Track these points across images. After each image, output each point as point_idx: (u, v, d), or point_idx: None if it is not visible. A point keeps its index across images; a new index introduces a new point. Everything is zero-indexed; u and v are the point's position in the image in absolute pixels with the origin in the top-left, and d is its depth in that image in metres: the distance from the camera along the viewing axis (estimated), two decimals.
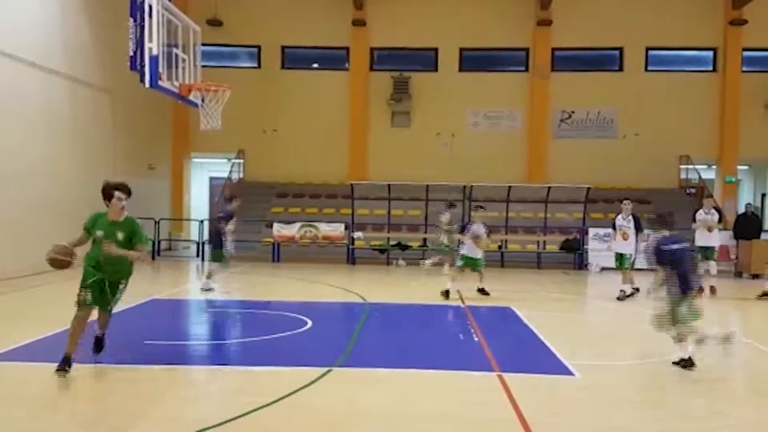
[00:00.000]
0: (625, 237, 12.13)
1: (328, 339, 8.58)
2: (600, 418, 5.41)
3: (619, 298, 11.90)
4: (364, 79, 22.72)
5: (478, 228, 12.08)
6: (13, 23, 13.55)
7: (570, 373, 6.68)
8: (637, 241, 12.17)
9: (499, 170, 21.72)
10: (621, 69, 22.66)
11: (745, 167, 23.90)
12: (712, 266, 13.18)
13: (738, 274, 17.31)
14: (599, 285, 15.37)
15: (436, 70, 22.86)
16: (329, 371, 6.52)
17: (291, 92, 22.62)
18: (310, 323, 9.17)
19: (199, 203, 24.35)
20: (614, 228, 12.48)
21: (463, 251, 12.20)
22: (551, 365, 7.04)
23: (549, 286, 11.83)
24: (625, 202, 12.52)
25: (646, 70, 22.57)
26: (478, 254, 12.12)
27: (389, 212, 20.25)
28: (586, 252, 18.68)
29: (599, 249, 18.63)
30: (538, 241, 19.77)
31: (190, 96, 10.10)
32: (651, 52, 22.58)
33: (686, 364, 6.73)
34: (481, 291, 12.11)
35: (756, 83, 21.92)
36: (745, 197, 23.47)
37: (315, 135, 22.50)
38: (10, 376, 6.35)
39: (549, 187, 19.98)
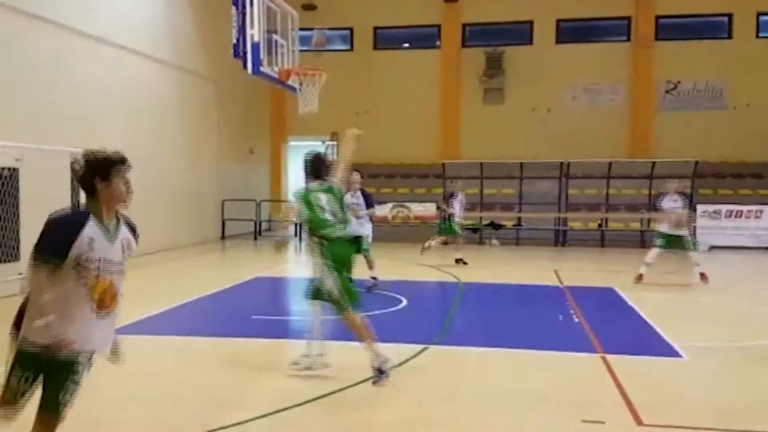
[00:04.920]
0: (357, 215, 9.98)
1: (424, 317, 8.67)
2: (709, 401, 5.19)
3: (369, 288, 9.96)
4: (455, 57, 22.45)
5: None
6: (123, 16, 14.34)
7: (677, 355, 6.44)
8: (372, 220, 10.43)
9: (599, 146, 20.90)
10: (730, 36, 21.17)
11: None
12: (692, 256, 11.25)
13: None
14: (708, 264, 14.60)
15: (531, 43, 22.23)
16: (426, 348, 6.61)
17: (383, 73, 22.71)
18: (405, 301, 9.29)
19: (296, 185, 25.08)
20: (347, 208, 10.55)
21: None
22: (657, 347, 6.80)
23: (654, 266, 11.33)
24: (353, 174, 10.22)
25: (757, 36, 20.98)
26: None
27: (482, 191, 20.04)
28: (694, 230, 17.79)
29: (708, 227, 17.72)
30: (641, 219, 18.97)
31: (288, 81, 10.38)
32: (762, 18, 20.94)
33: None
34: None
35: None
36: None
37: (407, 115, 22.50)
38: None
39: (653, 162, 19.10)
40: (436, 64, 22.54)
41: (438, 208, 14.11)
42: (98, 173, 3.10)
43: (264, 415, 4.74)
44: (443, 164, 20.14)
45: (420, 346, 6.62)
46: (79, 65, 12.77)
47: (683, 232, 11.17)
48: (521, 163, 19.78)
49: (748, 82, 20.67)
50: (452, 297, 10.26)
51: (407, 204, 20.00)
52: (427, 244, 14.13)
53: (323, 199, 5.57)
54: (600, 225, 19.16)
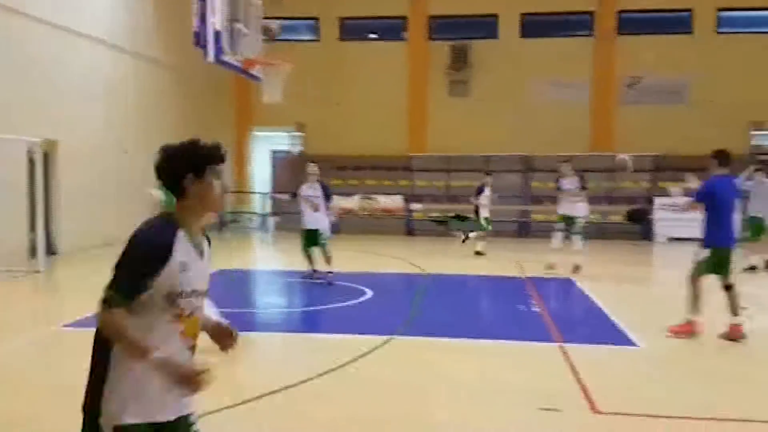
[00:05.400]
0: (315, 209, 9.99)
1: (389, 308, 8.71)
2: (663, 389, 5.33)
3: (329, 283, 9.90)
4: (422, 49, 22.46)
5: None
6: (80, 1, 14.01)
7: (633, 344, 6.59)
8: (327, 210, 10.14)
9: (563, 139, 21.15)
10: (691, 32, 21.62)
11: None
12: (575, 240, 11.44)
13: None
14: (666, 255, 14.97)
15: (496, 37, 22.37)
16: (391, 339, 6.64)
17: (350, 64, 22.62)
18: (370, 293, 9.31)
19: (261, 177, 24.83)
20: (296, 196, 10.28)
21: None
22: (614, 336, 6.95)
23: (612, 257, 11.59)
24: (310, 165, 10.18)
25: (717, 32, 21.47)
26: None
27: (447, 184, 20.16)
28: (654, 222, 18.18)
29: (668, 219, 18.11)
30: (602, 212, 19.30)
31: (252, 70, 10.27)
32: (722, 13, 21.44)
33: None
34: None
35: None
36: None
37: (374, 107, 22.45)
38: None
39: (614, 156, 19.41)
40: (402, 57, 22.53)
41: (470, 202, 14.68)
42: (191, 168, 2.33)
43: (225, 408, 4.71)
44: (410, 157, 20.20)
45: (385, 337, 6.65)
46: (32, 51, 12.43)
47: (576, 213, 11.56)
48: (486, 156, 19.93)
49: (709, 77, 21.10)
50: (417, 288, 10.32)
51: (374, 196, 20.01)
52: (466, 236, 14.60)
53: None
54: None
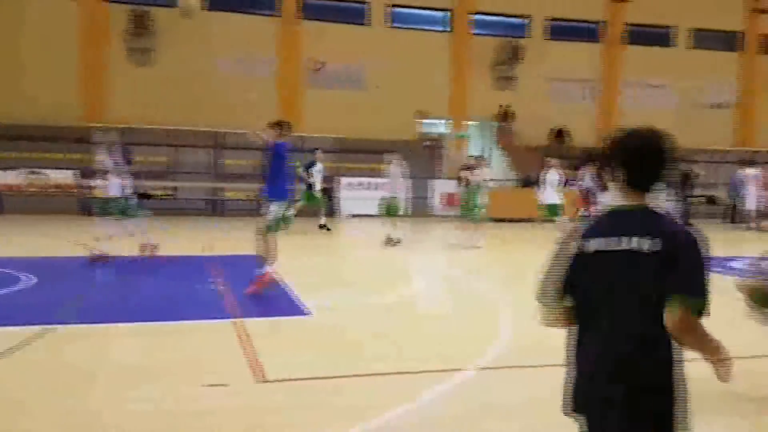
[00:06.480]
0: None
1: (51, 296, 7.84)
2: (331, 352, 5.72)
3: None
4: (96, 10, 20.45)
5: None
6: None
7: (304, 313, 6.98)
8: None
9: (253, 117, 21.25)
10: (368, 23, 23.50)
11: (473, 123, 26.32)
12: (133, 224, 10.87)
13: None
14: (348, 230, 16.20)
15: (178, 6, 21.46)
16: (50, 329, 5.99)
17: (7, 19, 19.55)
18: (34, 279, 8.30)
19: None
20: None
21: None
22: (288, 308, 7.27)
23: (300, 233, 12.13)
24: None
25: (389, 25, 23.68)
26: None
27: (142, 160, 18.89)
28: (338, 200, 19.58)
29: (349, 197, 19.65)
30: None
31: None
32: (394, 9, 23.74)
33: None
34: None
35: (485, 45, 24.27)
36: (473, 151, 26.03)
37: (40, 69, 19.78)
38: None
39: (302, 137, 20.27)
40: (73, 16, 20.25)
41: (299, 178, 14.02)
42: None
43: None
44: (86, 128, 18.38)
45: (44, 327, 5.99)
46: None
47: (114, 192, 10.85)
48: (172, 130, 19.18)
49: (382, 67, 23.18)
50: (88, 272, 9.48)
51: (44, 170, 17.83)
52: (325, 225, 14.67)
53: None
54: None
